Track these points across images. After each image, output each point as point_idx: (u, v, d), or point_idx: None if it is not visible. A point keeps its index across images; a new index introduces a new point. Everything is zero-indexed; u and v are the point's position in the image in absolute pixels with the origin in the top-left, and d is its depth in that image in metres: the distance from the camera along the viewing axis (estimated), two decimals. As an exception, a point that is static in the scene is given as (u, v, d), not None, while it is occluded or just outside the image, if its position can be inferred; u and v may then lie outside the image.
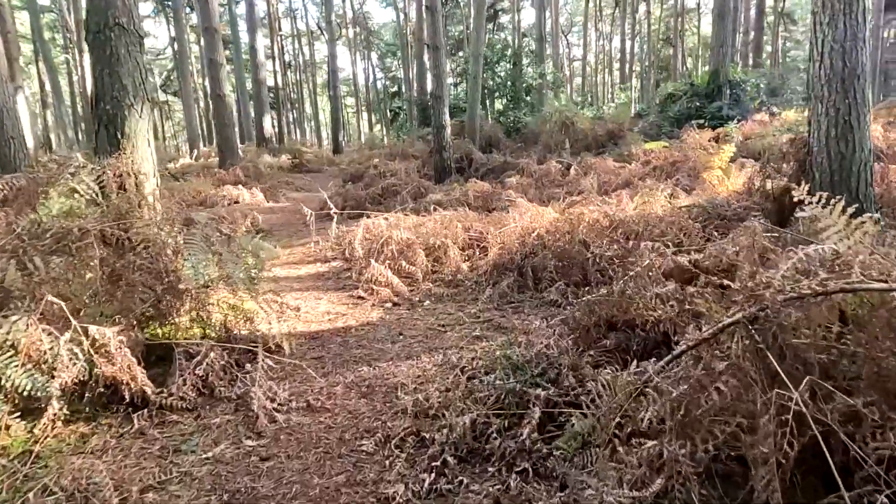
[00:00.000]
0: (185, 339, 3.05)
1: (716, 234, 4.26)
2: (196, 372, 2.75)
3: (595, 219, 4.35)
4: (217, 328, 3.28)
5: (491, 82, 20.29)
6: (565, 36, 40.96)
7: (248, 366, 2.95)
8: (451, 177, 9.82)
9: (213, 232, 3.53)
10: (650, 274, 2.57)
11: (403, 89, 38.40)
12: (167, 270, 3.14)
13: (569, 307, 3.34)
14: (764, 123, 12.14)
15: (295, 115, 41.29)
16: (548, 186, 8.22)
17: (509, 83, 19.56)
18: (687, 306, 2.33)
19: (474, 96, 14.12)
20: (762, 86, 14.29)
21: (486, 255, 4.95)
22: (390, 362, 3.13)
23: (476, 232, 5.60)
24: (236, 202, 9.83)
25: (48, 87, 24.50)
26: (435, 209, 6.83)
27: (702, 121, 12.16)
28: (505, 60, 19.89)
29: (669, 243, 3.14)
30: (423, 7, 12.77)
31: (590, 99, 25.54)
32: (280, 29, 36.69)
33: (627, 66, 31.61)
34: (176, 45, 23.19)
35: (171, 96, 40.56)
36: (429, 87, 21.99)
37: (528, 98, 19.22)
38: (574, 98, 25.00)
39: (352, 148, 25.63)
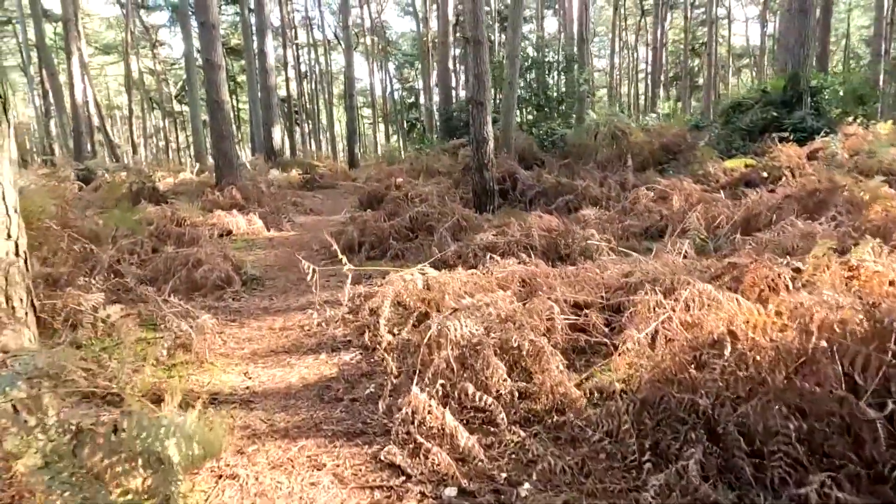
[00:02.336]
0: None
1: None
2: None
3: (840, 320, 2.22)
4: None
5: (520, 91, 18.23)
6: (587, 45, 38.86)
7: None
8: (493, 203, 7.72)
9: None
10: None
11: (422, 100, 36.51)
12: None
13: None
14: (860, 136, 9.93)
15: (310, 126, 39.50)
16: (638, 220, 6.09)
17: (540, 91, 17.47)
18: None
19: (509, 104, 12.07)
20: (842, 93, 12.09)
21: (609, 362, 2.84)
22: None
23: (571, 307, 3.49)
24: (228, 233, 7.79)
25: (52, 96, 22.83)
26: (490, 257, 4.74)
27: (785, 133, 9.98)
28: (537, 68, 17.79)
29: None
30: None
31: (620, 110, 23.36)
32: (296, 37, 34.99)
33: (660, 75, 29.42)
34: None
35: (186, 106, 38.98)
36: (449, 93, 19.94)
37: (562, 108, 17.09)
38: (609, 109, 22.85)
39: (368, 162, 23.66)
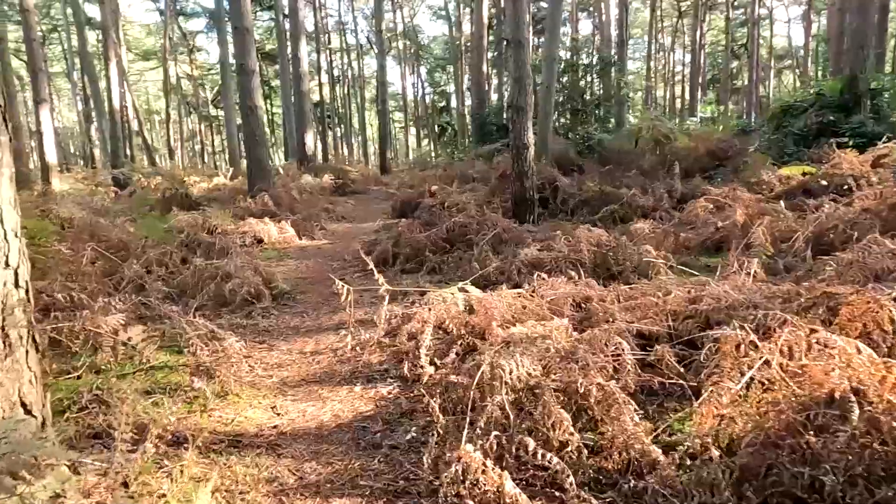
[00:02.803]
0: None
1: None
2: None
3: None
4: None
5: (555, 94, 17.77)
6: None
7: None
8: (534, 212, 7.32)
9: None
10: None
11: (454, 103, 36.25)
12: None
13: None
14: (927, 143, 9.21)
15: (342, 130, 39.59)
16: (693, 233, 5.62)
17: (576, 95, 16.95)
18: None
19: (547, 109, 11.66)
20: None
21: (690, 411, 2.43)
22: None
23: (634, 337, 3.08)
24: (259, 241, 7.57)
25: (92, 101, 23.25)
26: (537, 275, 4.35)
27: (843, 138, 9.34)
28: (572, 71, 17.29)
29: None
30: None
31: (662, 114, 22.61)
32: (329, 42, 35.11)
33: (699, 78, 28.50)
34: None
35: (221, 111, 39.46)
36: (483, 97, 19.55)
37: (599, 112, 16.56)
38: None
39: (400, 167, 23.44)
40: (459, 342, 3.43)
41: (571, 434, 2.23)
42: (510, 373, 2.43)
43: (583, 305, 3.79)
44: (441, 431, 2.36)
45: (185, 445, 2.41)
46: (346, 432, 2.68)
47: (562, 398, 2.41)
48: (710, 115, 17.31)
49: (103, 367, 3.29)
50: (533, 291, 4.17)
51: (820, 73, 26.26)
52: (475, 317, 3.68)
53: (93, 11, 36.04)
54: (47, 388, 3.13)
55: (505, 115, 17.40)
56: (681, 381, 2.71)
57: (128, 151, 26.59)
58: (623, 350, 2.71)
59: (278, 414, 2.89)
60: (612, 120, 16.03)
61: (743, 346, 2.40)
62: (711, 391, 2.33)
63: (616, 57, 16.49)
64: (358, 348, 3.72)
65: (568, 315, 3.57)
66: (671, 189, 8.08)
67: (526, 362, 2.50)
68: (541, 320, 3.51)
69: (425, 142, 43.71)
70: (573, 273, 4.49)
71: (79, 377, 3.18)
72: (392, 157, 29.44)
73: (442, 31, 52.44)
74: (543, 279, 4.26)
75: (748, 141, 11.51)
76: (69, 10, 23.26)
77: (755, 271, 4.14)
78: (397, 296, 4.83)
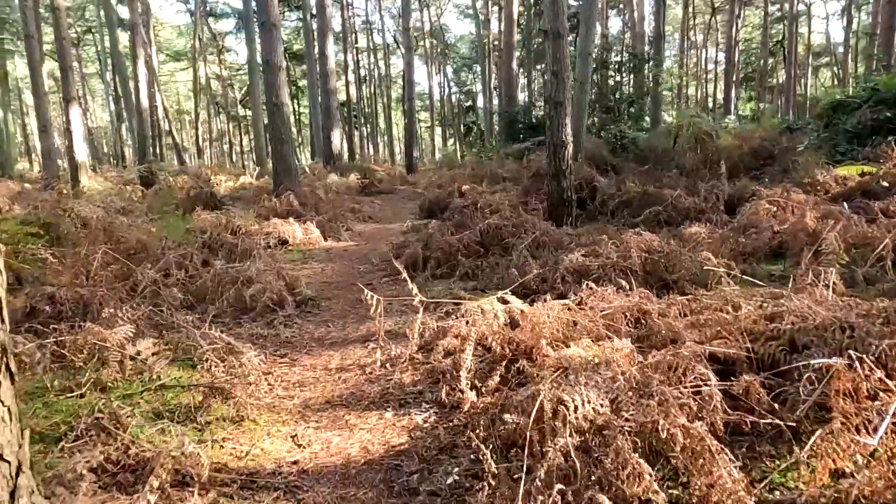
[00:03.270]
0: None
1: None
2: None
3: None
4: None
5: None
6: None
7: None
8: (571, 214, 6.87)
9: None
10: None
11: (481, 102, 35.84)
12: None
13: None
14: None
15: (368, 130, 39.45)
16: (749, 238, 5.11)
17: (608, 92, 16.37)
18: None
19: (581, 106, 11.16)
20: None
21: (794, 460, 1.98)
22: None
23: (708, 360, 2.64)
24: (283, 242, 7.26)
25: (123, 101, 23.42)
26: (584, 283, 3.91)
27: (904, 137, 8.65)
28: (604, 68, 16.70)
29: None
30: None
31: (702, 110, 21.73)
32: (356, 42, 34.97)
33: (734, 76, 27.54)
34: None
35: (249, 111, 39.64)
36: (513, 94, 19.09)
37: (631, 109, 15.94)
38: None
39: (426, 167, 23.09)
40: (503, 362, 3.03)
41: (655, 492, 1.81)
42: (575, 409, 2.01)
43: (641, 321, 3.36)
44: (492, 481, 1.96)
45: (191, 488, 2.06)
46: (376, 471, 2.29)
47: (637, 442, 1.98)
48: (749, 113, 16.56)
49: (109, 383, 2.97)
50: (581, 303, 3.75)
51: (861, 69, 25.11)
52: (520, 332, 3.27)
53: (125, 13, 36.42)
54: (47, 407, 2.81)
55: (542, 111, 16.93)
56: (775, 420, 2.26)
57: (157, 150, 26.80)
58: (705, 381, 2.27)
59: (299, 445, 2.52)
60: (647, 118, 15.41)
61: (865, 384, 1.95)
62: (825, 439, 1.89)
63: (652, 51, 15.85)
64: (388, 365, 3.34)
65: (625, 332, 3.14)
66: (717, 190, 7.54)
67: (592, 396, 2.09)
68: (596, 339, 3.09)
69: (451, 141, 43.39)
70: (623, 282, 4.05)
71: (82, 395, 2.86)
72: (418, 157, 29.13)
73: (469, 30, 51.93)
74: (591, 289, 3.83)
75: (794, 139, 10.86)
76: (102, 12, 23.47)
77: (833, 283, 3.66)
78: (430, 305, 4.45)
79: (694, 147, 10.37)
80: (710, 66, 38.72)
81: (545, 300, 3.89)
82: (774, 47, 35.46)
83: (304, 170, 16.13)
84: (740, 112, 17.61)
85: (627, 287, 3.99)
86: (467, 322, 3.49)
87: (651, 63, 15.06)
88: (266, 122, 11.99)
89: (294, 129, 39.22)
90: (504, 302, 3.71)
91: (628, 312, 3.47)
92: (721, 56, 37.27)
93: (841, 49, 35.49)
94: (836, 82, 34.72)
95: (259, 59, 14.22)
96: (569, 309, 3.55)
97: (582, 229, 6.15)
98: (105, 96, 37.90)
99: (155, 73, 24.83)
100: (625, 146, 13.07)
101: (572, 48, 13.61)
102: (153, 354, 3.11)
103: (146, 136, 12.92)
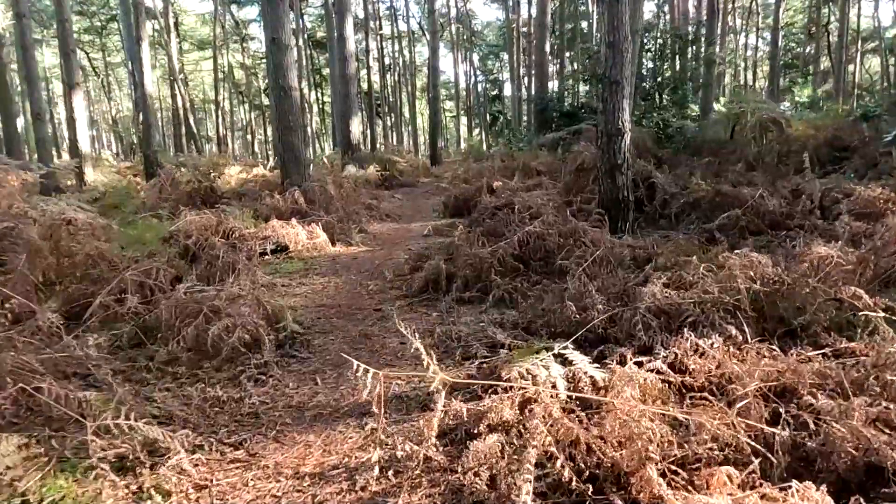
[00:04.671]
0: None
1: None
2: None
3: None
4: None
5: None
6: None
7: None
8: (628, 218, 5.56)
9: None
10: None
11: (508, 91, 34.32)
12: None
13: None
14: None
15: (392, 119, 38.25)
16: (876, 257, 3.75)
17: (649, 77, 14.82)
18: None
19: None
20: None
21: None
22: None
23: None
24: (282, 249, 6.10)
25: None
26: (673, 326, 2.66)
27: None
28: (643, 50, 15.13)
29: None
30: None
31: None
32: (381, 28, 33.69)
33: (779, 61, 25.54)
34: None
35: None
36: (545, 80, 17.59)
37: (677, 95, 14.37)
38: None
39: (451, 158, 21.79)
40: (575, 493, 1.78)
41: None
42: None
43: (790, 410, 2.08)
44: None
45: None
46: None
47: None
48: (807, 100, 14.86)
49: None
50: (680, 366, 2.50)
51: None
52: (599, 429, 2.03)
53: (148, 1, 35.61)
54: None
55: (574, 97, 15.48)
56: None
57: (180, 141, 25.97)
58: None
59: None
60: (692, 105, 13.83)
61: None
62: None
63: (704, 30, 14.23)
64: (391, 475, 2.11)
65: (769, 431, 1.88)
66: (804, 189, 6.14)
67: None
68: (735, 452, 1.83)
69: (476, 131, 41.95)
70: (733, 328, 2.77)
71: None
72: (443, 147, 27.79)
73: (496, 16, 50.20)
74: (694, 342, 2.57)
75: (872, 130, 9.31)
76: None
77: None
78: (454, 351, 3.23)
79: (759, 137, 8.91)
80: (748, 53, 36.47)
81: (623, 358, 2.66)
82: (818, 32, 33.10)
83: (322, 161, 15.00)
84: (797, 99, 15.93)
85: (740, 336, 2.73)
86: (512, 402, 2.28)
87: (703, 42, 13.44)
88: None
89: (316, 119, 38.23)
90: (565, 362, 2.49)
91: (761, 386, 2.21)
92: (760, 42, 35.13)
93: (889, 34, 33.08)
94: (884, 69, 32.45)
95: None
96: (667, 382, 2.30)
97: (646, 241, 4.84)
98: (129, 85, 37.33)
99: (172, 60, 23.95)
100: (670, 136, 11.61)
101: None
102: (24, 461, 1.95)
103: (150, 125, 11.89)
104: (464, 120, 43.78)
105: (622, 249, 4.57)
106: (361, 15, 28.93)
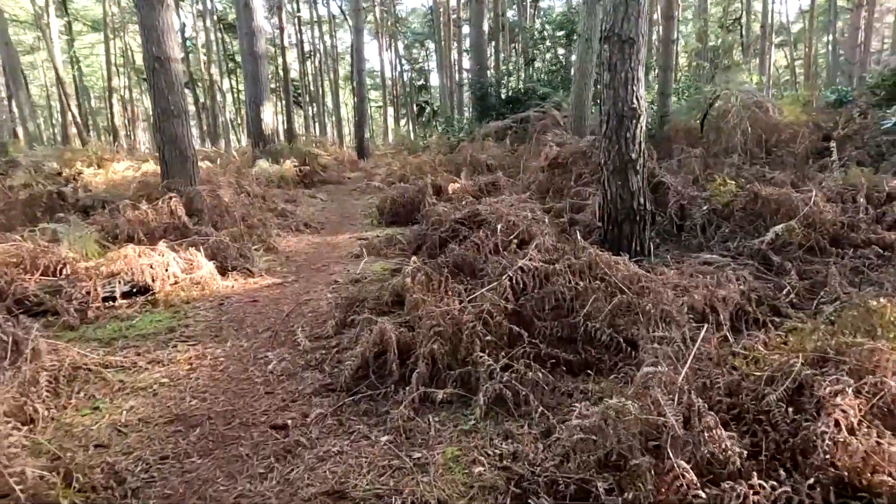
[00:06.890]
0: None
1: None
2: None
3: None
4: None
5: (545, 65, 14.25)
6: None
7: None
8: (645, 237, 3.86)
9: None
10: None
11: (435, 80, 32.49)
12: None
13: None
14: None
15: (314, 109, 35.42)
16: None
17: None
18: None
19: (584, 67, 8.24)
20: None
21: None
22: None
23: None
24: (141, 291, 3.96)
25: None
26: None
27: None
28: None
29: None
30: None
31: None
32: (298, 11, 30.79)
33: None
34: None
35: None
36: (484, 63, 15.82)
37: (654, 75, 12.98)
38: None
39: (380, 151, 19.66)
40: None
41: None
42: None
43: None
44: None
45: None
46: None
47: None
48: (757, 88, 13.95)
49: None
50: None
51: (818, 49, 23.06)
52: None
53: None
54: None
55: (514, 83, 13.83)
56: None
57: (64, 132, 22.22)
58: None
59: None
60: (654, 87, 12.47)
61: None
62: None
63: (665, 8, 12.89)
64: None
65: None
66: (844, 189, 4.69)
67: None
68: None
69: (402, 122, 39.85)
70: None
71: None
72: (369, 139, 25.53)
73: (421, 2, 47.96)
74: None
75: (856, 114, 8.21)
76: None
77: None
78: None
79: (739, 124, 7.54)
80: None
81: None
82: (732, 25, 33.40)
83: (233, 155, 12.59)
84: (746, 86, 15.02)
85: None
86: None
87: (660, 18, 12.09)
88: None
89: (233, 108, 34.70)
90: None
91: None
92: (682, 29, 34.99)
93: (797, 27, 33.93)
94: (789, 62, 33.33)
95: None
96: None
97: (684, 269, 3.15)
98: None
99: (52, 42, 20.29)
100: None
101: None
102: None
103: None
104: (390, 111, 41.45)
105: (665, 290, 2.86)
106: (276, -4, 25.97)
